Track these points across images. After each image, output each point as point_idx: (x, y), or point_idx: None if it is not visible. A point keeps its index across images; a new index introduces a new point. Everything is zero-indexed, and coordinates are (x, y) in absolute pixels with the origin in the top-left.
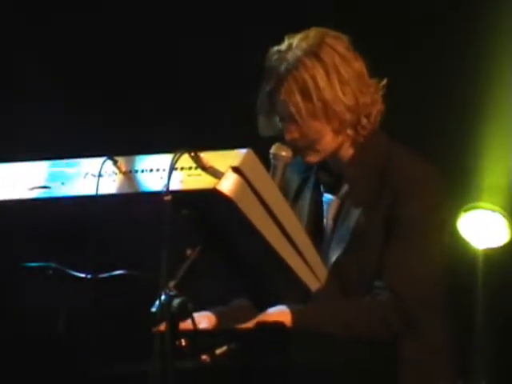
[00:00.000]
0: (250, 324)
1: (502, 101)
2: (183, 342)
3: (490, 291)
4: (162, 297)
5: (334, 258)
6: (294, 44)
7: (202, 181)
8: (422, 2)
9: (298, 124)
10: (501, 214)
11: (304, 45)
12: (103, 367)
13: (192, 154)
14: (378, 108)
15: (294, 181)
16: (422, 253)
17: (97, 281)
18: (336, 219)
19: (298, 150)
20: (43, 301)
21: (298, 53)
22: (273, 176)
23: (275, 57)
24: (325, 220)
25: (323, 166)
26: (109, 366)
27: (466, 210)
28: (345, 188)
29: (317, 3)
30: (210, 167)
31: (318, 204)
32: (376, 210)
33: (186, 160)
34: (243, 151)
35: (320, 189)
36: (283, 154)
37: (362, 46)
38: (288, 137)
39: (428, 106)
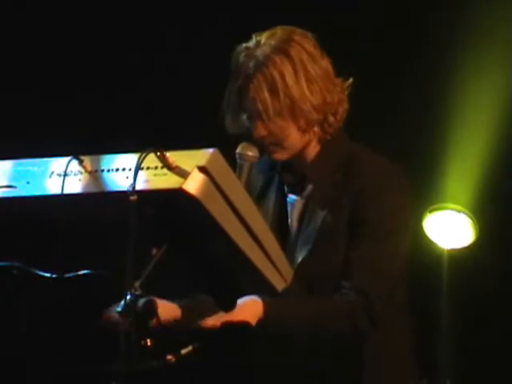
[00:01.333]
0: (216, 319)
1: (466, 101)
2: (148, 342)
3: (455, 291)
4: (128, 296)
5: (299, 258)
6: (262, 41)
7: (168, 180)
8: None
9: (265, 121)
10: (466, 214)
11: (272, 42)
12: (67, 368)
13: (158, 153)
14: (344, 107)
15: (259, 180)
16: (389, 252)
17: (62, 280)
18: (301, 220)
19: (265, 147)
20: (6, 301)
21: (267, 50)
22: (239, 176)
23: (243, 54)
24: (289, 220)
25: (287, 166)
26: (72, 367)
27: (431, 211)
28: (309, 188)
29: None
30: (176, 167)
31: (282, 205)
32: (340, 209)
33: (152, 159)
34: (209, 151)
35: (284, 189)
36: (249, 153)
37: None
38: (256, 134)
39: (395, 106)
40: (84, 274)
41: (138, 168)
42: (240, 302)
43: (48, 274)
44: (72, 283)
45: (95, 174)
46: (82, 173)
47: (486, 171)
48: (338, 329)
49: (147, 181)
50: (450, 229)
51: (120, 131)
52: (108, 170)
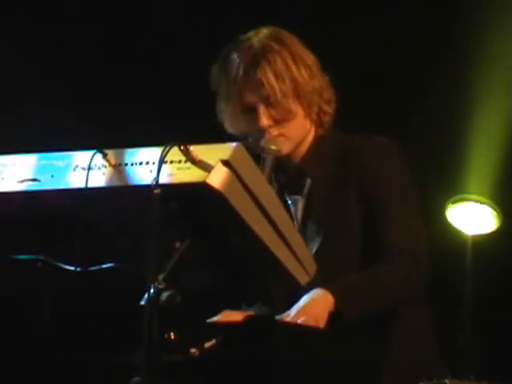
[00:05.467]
0: (292, 314)
1: (487, 97)
2: (172, 336)
3: (479, 277)
4: (151, 290)
5: (313, 251)
6: (252, 36)
7: (192, 174)
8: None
9: (272, 107)
10: (488, 205)
11: (263, 34)
12: (90, 358)
13: (182, 147)
14: (333, 97)
15: None
16: (412, 212)
17: (86, 274)
18: (305, 217)
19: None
20: (30, 292)
21: (263, 39)
22: (262, 169)
23: (236, 49)
24: (295, 222)
25: (278, 166)
26: (96, 358)
27: (453, 202)
28: (307, 185)
29: None
30: (200, 160)
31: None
32: (345, 194)
33: (175, 153)
34: (233, 144)
35: (283, 194)
36: (273, 147)
37: None
38: (261, 125)
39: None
40: (108, 268)
41: (162, 162)
42: (309, 296)
43: (72, 268)
44: (96, 276)
45: (119, 168)
46: (105, 166)
47: (507, 161)
48: (402, 293)
49: (171, 174)
50: (472, 218)
51: (142, 125)
52: (132, 164)
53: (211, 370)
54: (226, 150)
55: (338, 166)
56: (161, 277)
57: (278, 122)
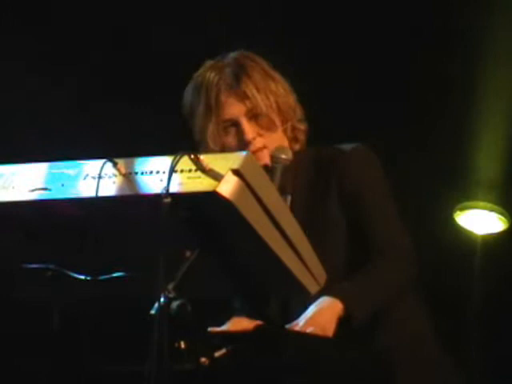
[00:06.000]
0: (300, 324)
1: (494, 102)
2: (182, 344)
3: (488, 276)
4: (161, 299)
5: None
6: (222, 57)
7: (202, 183)
8: None
9: (255, 120)
10: (496, 212)
11: (235, 53)
12: (100, 366)
13: (192, 156)
14: (303, 116)
15: None
16: (392, 210)
17: (96, 283)
18: None
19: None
20: (41, 300)
21: (236, 57)
22: (272, 178)
23: (212, 68)
24: None
25: None
26: (106, 366)
27: (461, 209)
28: (288, 202)
29: None
30: (210, 169)
31: None
32: (327, 201)
33: (185, 162)
34: (243, 153)
35: None
36: (283, 156)
37: None
38: (247, 135)
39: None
40: (118, 277)
41: (172, 170)
42: (316, 305)
43: (82, 276)
44: (106, 285)
45: (129, 177)
46: (116, 175)
47: None
48: (400, 287)
49: (181, 183)
50: (480, 222)
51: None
52: (142, 173)
53: (221, 380)
54: (236, 158)
55: (316, 175)
56: (171, 286)
57: (260, 134)
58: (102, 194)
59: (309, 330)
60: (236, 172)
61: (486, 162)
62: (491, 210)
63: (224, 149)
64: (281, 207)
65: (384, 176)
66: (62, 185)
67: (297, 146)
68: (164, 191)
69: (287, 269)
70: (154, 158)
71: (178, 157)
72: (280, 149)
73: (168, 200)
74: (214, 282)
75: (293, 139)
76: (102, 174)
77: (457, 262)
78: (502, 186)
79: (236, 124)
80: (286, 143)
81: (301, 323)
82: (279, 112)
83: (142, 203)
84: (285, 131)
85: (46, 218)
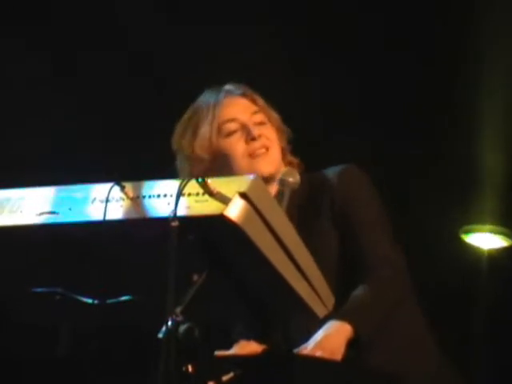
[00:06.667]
0: (309, 348)
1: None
2: (190, 368)
3: (493, 290)
4: (169, 322)
5: None
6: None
7: (210, 206)
8: None
9: (260, 123)
10: (501, 234)
11: (231, 83)
12: None
13: (199, 179)
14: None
15: None
16: (383, 227)
17: (104, 306)
18: None
19: (255, 150)
20: (48, 324)
21: (235, 84)
22: (280, 201)
23: (216, 90)
24: None
25: None
26: None
27: (466, 232)
28: None
29: None
30: (218, 193)
31: None
32: (319, 218)
33: (193, 186)
34: (250, 177)
35: None
36: (291, 179)
37: None
38: (255, 132)
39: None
40: (125, 300)
41: (180, 194)
42: (324, 329)
43: (90, 300)
44: (113, 309)
45: (137, 200)
46: (123, 199)
47: None
48: (395, 301)
49: (188, 207)
50: (486, 240)
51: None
52: (149, 196)
53: None
54: (244, 182)
55: (309, 195)
56: (179, 309)
57: (264, 135)
58: (109, 217)
59: (318, 353)
60: (243, 195)
61: (492, 184)
62: (496, 233)
63: (214, 154)
64: (289, 231)
65: (375, 193)
66: (70, 208)
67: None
68: (171, 215)
69: (295, 292)
70: (162, 181)
71: (186, 180)
72: (288, 172)
73: (176, 223)
74: (222, 305)
75: (286, 162)
76: (110, 198)
77: (463, 276)
78: (506, 207)
79: (236, 131)
80: (279, 161)
81: (309, 347)
82: (280, 130)
83: (150, 227)
84: (281, 150)
85: (53, 242)
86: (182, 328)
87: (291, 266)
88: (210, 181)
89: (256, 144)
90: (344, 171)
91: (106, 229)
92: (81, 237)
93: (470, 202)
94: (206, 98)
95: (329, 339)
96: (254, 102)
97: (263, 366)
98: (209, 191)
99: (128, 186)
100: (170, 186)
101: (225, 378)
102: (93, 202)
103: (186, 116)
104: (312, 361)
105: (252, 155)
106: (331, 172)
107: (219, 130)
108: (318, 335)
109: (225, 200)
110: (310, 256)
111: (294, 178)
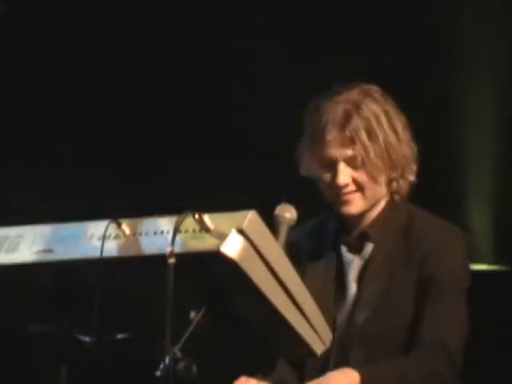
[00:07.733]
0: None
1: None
2: None
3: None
4: (167, 360)
5: (360, 320)
6: (346, 89)
7: (206, 243)
8: None
9: (354, 167)
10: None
11: (360, 88)
12: None
13: (196, 216)
14: (416, 168)
15: (306, 245)
16: (461, 310)
17: (101, 344)
18: (360, 280)
19: (339, 196)
20: (46, 363)
21: (355, 95)
22: (276, 237)
23: (326, 101)
24: (347, 280)
25: (342, 226)
26: None
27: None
28: (368, 248)
29: None
30: (214, 229)
31: (338, 265)
32: (405, 272)
33: (190, 222)
34: (247, 213)
35: (339, 250)
36: (287, 215)
37: None
38: (339, 180)
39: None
40: (122, 338)
41: (176, 231)
42: (335, 372)
43: (87, 338)
44: (111, 346)
45: (133, 238)
46: (120, 236)
47: None
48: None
49: (185, 243)
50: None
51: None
52: (146, 233)
53: None
54: (241, 218)
55: (404, 239)
56: (176, 347)
57: (356, 180)
58: (106, 254)
59: None
60: (240, 231)
61: (479, 221)
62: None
63: (315, 178)
64: (286, 267)
65: (466, 265)
66: (67, 246)
67: (396, 197)
68: (168, 252)
69: (293, 328)
70: (158, 218)
71: (182, 217)
72: (284, 208)
73: (172, 260)
74: (220, 342)
75: (395, 190)
76: (107, 235)
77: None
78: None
79: (333, 164)
80: (383, 192)
81: (313, 382)
82: (388, 161)
83: (147, 264)
84: (389, 181)
85: (51, 280)
86: (180, 365)
87: (288, 302)
88: (206, 217)
89: (342, 191)
90: (443, 234)
91: (103, 266)
92: (77, 274)
93: None
94: (317, 116)
95: (334, 379)
96: (355, 140)
97: None
98: (205, 227)
99: (125, 222)
100: (166, 222)
101: None
102: (89, 239)
103: (306, 116)
104: None
105: (337, 200)
106: (431, 228)
107: (318, 161)
108: (326, 375)
109: (222, 236)
110: (307, 292)
111: (290, 214)
